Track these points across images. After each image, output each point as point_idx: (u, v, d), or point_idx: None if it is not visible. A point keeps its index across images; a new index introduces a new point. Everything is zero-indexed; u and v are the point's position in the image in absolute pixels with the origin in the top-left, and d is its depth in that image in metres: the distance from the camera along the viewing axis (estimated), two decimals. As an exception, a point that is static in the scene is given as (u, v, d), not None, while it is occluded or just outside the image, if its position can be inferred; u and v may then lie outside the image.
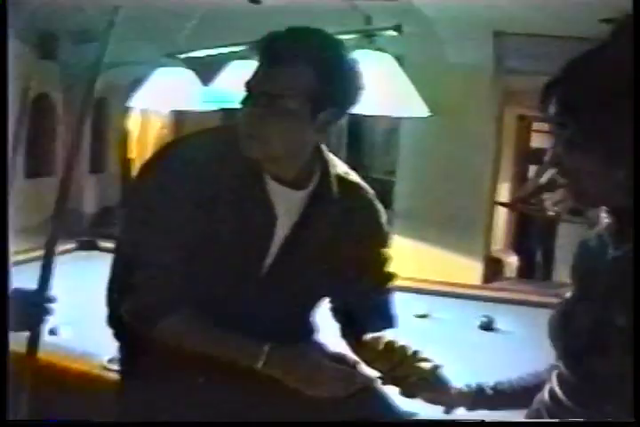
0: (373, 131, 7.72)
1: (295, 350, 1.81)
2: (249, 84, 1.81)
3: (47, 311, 2.04)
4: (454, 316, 3.50)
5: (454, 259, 4.26)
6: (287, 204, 1.93)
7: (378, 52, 2.77)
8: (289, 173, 1.90)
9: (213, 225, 1.88)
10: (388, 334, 1.82)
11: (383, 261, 2.12)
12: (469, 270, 4.22)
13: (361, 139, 7.73)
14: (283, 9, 3.22)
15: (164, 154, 2.01)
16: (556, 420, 1.60)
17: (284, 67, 1.77)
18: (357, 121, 6.91)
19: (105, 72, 5.19)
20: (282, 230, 1.94)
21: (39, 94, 5.04)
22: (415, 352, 1.78)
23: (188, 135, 2.23)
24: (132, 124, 6.62)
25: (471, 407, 1.84)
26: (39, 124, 5.24)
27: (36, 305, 2.04)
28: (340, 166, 2.03)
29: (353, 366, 1.83)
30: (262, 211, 1.90)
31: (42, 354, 2.65)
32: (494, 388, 1.83)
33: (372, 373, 1.80)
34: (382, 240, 2.11)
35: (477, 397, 1.82)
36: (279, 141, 1.80)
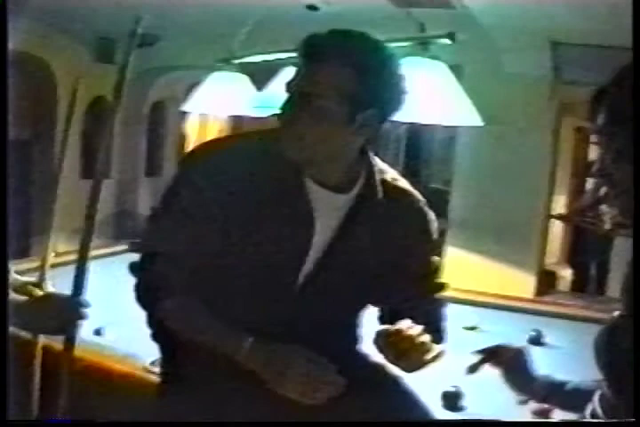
0: (432, 140, 7.73)
1: (279, 346, 1.79)
2: (289, 85, 1.81)
3: (81, 316, 2.05)
4: (503, 329, 3.43)
5: (507, 271, 4.21)
6: (329, 207, 1.91)
7: (431, 60, 2.74)
8: (331, 176, 1.89)
9: (250, 228, 1.88)
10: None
11: (431, 270, 2.08)
12: (522, 283, 4.15)
13: (419, 148, 7.76)
14: (338, 15, 3.21)
15: (201, 155, 2.00)
16: (557, 420, 1.59)
17: (321, 66, 1.76)
18: (415, 130, 6.91)
19: (162, 76, 5.28)
20: (322, 234, 1.91)
21: (96, 97, 5.08)
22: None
23: (227, 137, 2.23)
24: (190, 127, 6.67)
25: (542, 400, 1.84)
26: (95, 126, 5.29)
27: (71, 310, 2.06)
28: (387, 172, 2.00)
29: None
30: (300, 214, 1.89)
31: (86, 354, 2.69)
32: (567, 385, 1.80)
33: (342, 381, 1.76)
34: (430, 249, 2.08)
35: (552, 390, 1.81)
36: (318, 142, 1.80)
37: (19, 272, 2.96)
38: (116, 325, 2.97)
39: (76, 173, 5.05)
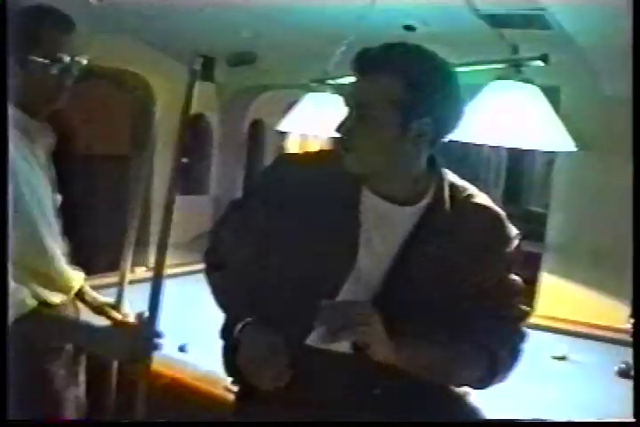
0: (533, 162, 7.65)
1: (263, 331, 1.89)
2: (346, 99, 1.86)
3: (155, 347, 2.11)
4: (593, 359, 3.35)
5: (600, 299, 4.06)
6: (390, 220, 1.92)
7: (523, 84, 2.69)
8: (394, 188, 1.91)
9: (299, 241, 1.94)
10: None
11: (507, 291, 1.99)
12: (615, 312, 4.01)
13: (520, 170, 7.68)
14: (434, 36, 3.18)
15: (272, 166, 2.10)
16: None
17: (373, 77, 1.79)
18: (516, 153, 6.84)
19: (261, 94, 5.32)
20: (383, 246, 1.91)
21: (196, 114, 5.15)
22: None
23: (300, 153, 2.27)
24: (290, 145, 6.70)
25: None
26: (195, 143, 5.36)
27: (144, 341, 2.09)
28: (463, 188, 1.98)
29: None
30: (346, 228, 1.91)
31: (167, 370, 2.70)
32: None
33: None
34: (505, 268, 1.99)
35: None
36: (374, 153, 1.83)
37: (104, 286, 3.02)
38: (201, 342, 2.99)
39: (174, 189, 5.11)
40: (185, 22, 3.71)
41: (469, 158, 8.13)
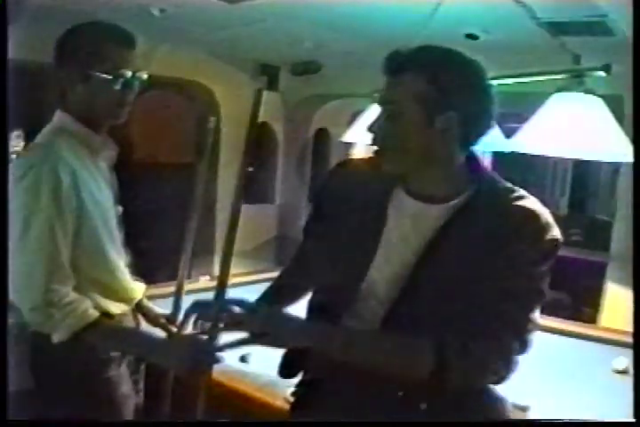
0: (599, 171, 7.56)
1: (277, 312, 1.97)
2: (378, 100, 1.94)
3: (216, 360, 2.10)
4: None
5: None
6: (417, 218, 1.95)
7: (585, 95, 2.65)
8: (425, 187, 1.96)
9: (335, 238, 2.07)
10: None
11: (521, 298, 1.87)
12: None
13: (586, 179, 7.60)
14: (496, 44, 3.15)
15: (329, 172, 2.40)
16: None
17: (399, 77, 1.85)
18: (581, 162, 6.76)
19: (326, 103, 5.31)
20: (416, 241, 1.93)
21: (261, 123, 5.16)
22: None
23: (358, 158, 2.35)
24: (355, 154, 6.67)
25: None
26: (260, 152, 5.37)
27: (207, 352, 2.10)
28: (509, 190, 1.94)
29: None
30: (372, 224, 1.99)
31: (227, 380, 2.70)
32: None
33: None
34: (540, 276, 1.89)
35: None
36: (401, 149, 1.89)
37: (167, 296, 3.03)
38: (262, 352, 2.99)
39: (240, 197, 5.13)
40: (248, 32, 3.73)
41: (535, 167, 8.06)
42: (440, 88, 1.82)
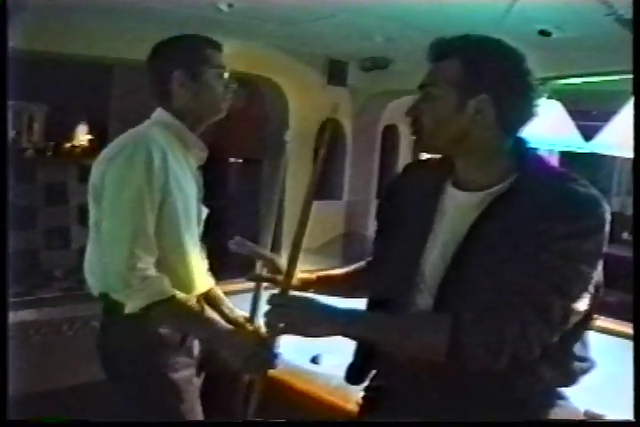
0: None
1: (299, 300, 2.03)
2: (418, 89, 2.02)
3: (270, 367, 2.20)
4: None
5: None
6: (459, 207, 2.01)
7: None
8: (466, 175, 2.04)
9: (396, 234, 2.18)
10: None
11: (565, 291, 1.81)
12: None
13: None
14: (569, 43, 3.08)
15: (400, 172, 2.40)
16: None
17: (437, 62, 1.97)
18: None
19: (395, 99, 5.26)
20: (449, 233, 2.01)
21: (326, 119, 5.13)
22: None
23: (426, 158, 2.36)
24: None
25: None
26: (329, 148, 5.33)
27: (262, 359, 2.18)
28: (558, 174, 1.93)
29: None
30: (426, 218, 2.07)
31: (298, 382, 2.67)
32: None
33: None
34: (566, 257, 1.80)
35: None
36: (436, 131, 1.96)
37: (237, 292, 3.03)
38: (335, 353, 2.94)
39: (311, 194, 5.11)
40: (317, 27, 3.69)
41: (601, 165, 8.00)
42: (473, 71, 1.91)
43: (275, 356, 2.18)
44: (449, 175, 2.08)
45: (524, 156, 1.99)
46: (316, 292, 2.40)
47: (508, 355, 1.77)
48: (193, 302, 2.56)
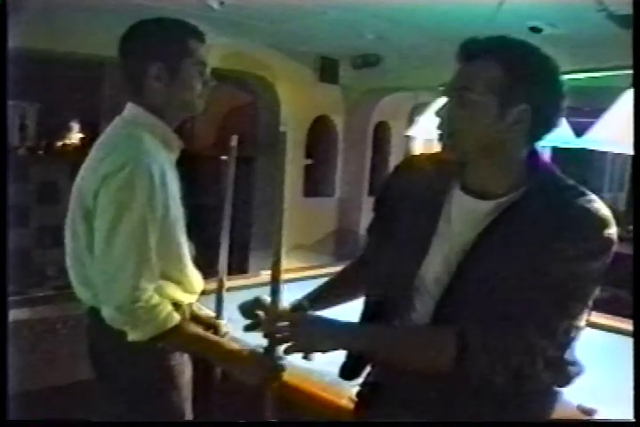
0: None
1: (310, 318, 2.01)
2: (446, 88, 1.90)
3: (276, 378, 2.20)
4: None
5: None
6: (469, 214, 1.94)
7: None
8: (482, 182, 1.94)
9: (394, 234, 2.09)
10: None
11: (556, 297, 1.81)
12: None
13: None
14: (559, 39, 3.09)
15: (394, 168, 2.27)
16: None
17: (473, 64, 1.84)
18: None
19: (386, 97, 5.27)
20: (457, 239, 1.94)
21: (319, 116, 5.14)
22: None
23: (422, 154, 2.41)
24: (415, 148, 6.61)
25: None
26: (321, 145, 5.35)
27: (268, 371, 2.18)
28: (570, 188, 1.89)
29: None
30: (428, 221, 1.99)
31: (292, 378, 2.68)
32: None
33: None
34: (573, 277, 1.80)
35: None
36: (470, 138, 1.86)
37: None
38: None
39: (298, 191, 5.13)
40: (308, 25, 3.70)
41: (592, 161, 7.97)
42: (516, 77, 1.80)
43: (282, 363, 2.16)
44: (455, 177, 1.99)
45: (536, 165, 1.94)
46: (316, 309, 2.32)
47: (512, 371, 1.79)
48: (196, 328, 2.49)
